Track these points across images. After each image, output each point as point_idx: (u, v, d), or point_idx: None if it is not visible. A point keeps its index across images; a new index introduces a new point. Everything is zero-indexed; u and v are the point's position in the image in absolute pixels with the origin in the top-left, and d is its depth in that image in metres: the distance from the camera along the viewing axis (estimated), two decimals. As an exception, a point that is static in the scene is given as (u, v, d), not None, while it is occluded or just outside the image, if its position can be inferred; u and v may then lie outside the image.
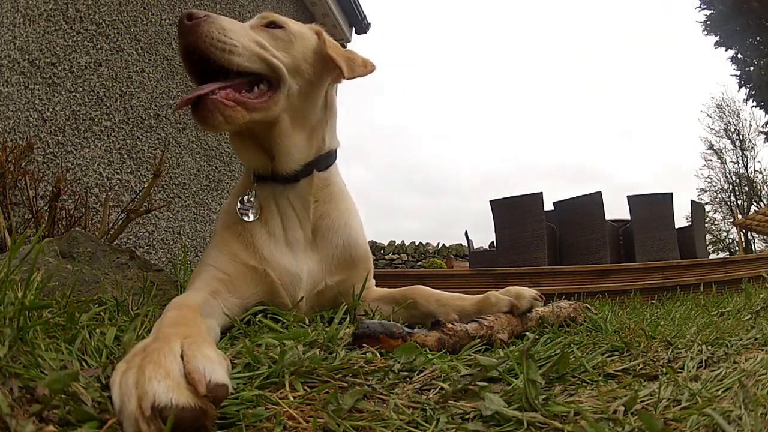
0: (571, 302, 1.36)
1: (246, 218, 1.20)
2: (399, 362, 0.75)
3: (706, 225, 17.59)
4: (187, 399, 0.46)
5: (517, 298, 1.11)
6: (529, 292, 1.14)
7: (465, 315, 1.10)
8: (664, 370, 0.80)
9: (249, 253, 1.17)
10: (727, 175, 22.77)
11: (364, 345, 0.82)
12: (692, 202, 6.18)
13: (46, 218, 2.25)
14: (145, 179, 3.46)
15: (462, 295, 1.19)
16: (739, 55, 13.22)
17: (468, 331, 0.94)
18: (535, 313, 1.17)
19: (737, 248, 18.81)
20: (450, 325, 0.92)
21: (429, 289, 1.23)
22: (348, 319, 1.12)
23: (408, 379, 0.70)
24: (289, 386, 0.62)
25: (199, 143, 4.13)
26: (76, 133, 3.02)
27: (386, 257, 12.63)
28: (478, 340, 0.93)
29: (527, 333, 1.10)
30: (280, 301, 1.17)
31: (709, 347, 1.01)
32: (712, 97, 24.35)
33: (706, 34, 13.33)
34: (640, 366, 0.84)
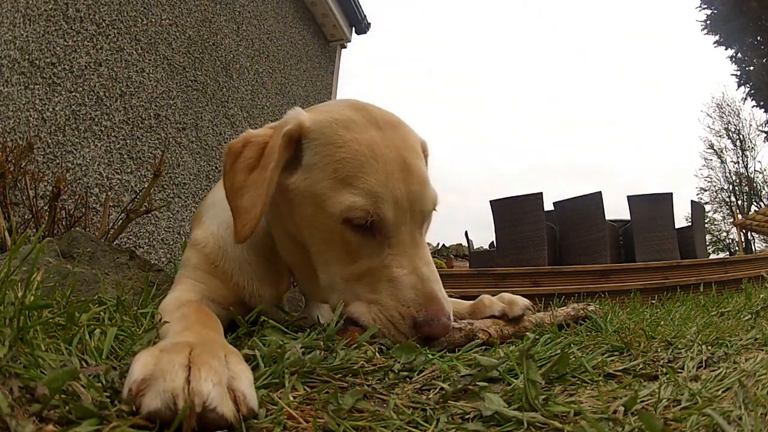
0: (569, 309, 1.36)
1: None
2: (399, 362, 0.75)
3: (706, 225, 17.59)
4: (230, 412, 0.47)
5: (510, 304, 1.15)
6: (522, 301, 1.17)
7: (459, 317, 1.15)
8: (664, 370, 0.80)
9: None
10: (727, 175, 22.80)
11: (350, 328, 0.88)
12: (692, 202, 6.17)
13: (46, 218, 2.25)
14: (145, 179, 3.47)
15: (460, 300, 1.28)
16: (739, 55, 13.22)
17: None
18: (527, 320, 1.19)
19: (737, 248, 18.81)
20: None
21: None
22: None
23: (408, 379, 0.70)
24: (289, 386, 0.62)
25: (199, 143, 4.13)
26: (76, 133, 3.02)
27: (387, 257, 12.59)
28: (461, 336, 0.97)
29: (527, 333, 1.11)
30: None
31: (709, 347, 1.01)
32: (713, 97, 24.41)
33: (706, 34, 13.33)
34: (640, 366, 0.84)
